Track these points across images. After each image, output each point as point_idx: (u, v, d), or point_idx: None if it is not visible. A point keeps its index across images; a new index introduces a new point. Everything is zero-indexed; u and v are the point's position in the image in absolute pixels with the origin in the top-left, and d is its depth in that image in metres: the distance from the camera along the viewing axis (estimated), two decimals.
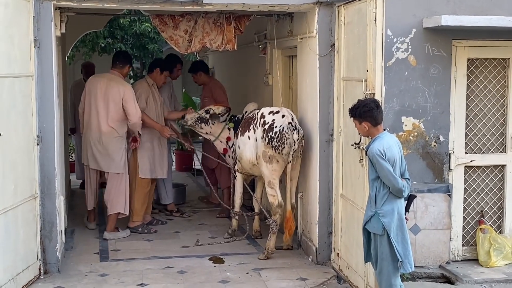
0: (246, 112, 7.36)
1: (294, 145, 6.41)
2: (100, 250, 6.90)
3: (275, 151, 6.43)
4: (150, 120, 7.52)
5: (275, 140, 6.39)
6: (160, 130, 7.57)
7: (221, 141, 7.62)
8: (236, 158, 7.13)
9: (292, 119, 6.56)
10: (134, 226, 7.58)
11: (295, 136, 6.40)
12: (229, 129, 7.55)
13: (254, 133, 6.67)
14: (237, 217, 7.36)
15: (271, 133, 6.44)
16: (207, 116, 7.59)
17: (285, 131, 6.38)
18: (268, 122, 6.54)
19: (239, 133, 6.95)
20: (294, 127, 6.45)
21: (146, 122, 7.44)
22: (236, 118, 7.55)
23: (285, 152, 6.42)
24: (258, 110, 6.83)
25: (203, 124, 7.61)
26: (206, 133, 7.70)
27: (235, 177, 7.28)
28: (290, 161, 6.46)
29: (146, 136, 7.62)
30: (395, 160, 4.60)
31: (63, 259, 6.29)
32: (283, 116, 6.53)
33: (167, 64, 8.00)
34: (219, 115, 7.54)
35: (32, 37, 5.69)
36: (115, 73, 7.39)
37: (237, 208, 7.31)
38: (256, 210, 7.39)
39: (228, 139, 7.57)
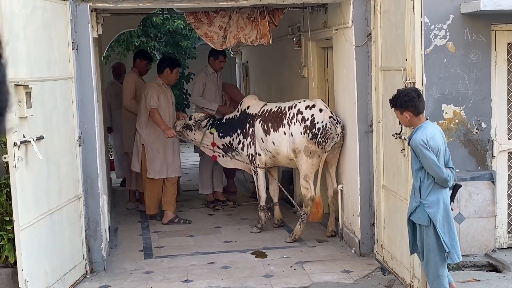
0: (248, 107, 7.35)
1: (337, 137, 6.56)
2: (144, 247, 6.99)
3: (318, 147, 6.56)
4: (159, 119, 7.64)
5: (319, 136, 6.51)
6: (165, 130, 7.60)
7: (207, 146, 7.67)
8: (256, 154, 7.12)
9: (331, 112, 6.62)
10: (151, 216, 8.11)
11: (338, 130, 6.56)
12: (211, 133, 7.60)
13: (289, 128, 6.71)
14: (264, 210, 7.36)
15: (314, 130, 6.52)
16: (191, 122, 7.74)
17: (328, 127, 6.51)
18: (308, 118, 6.59)
19: (271, 130, 6.90)
20: (336, 121, 6.57)
21: (155, 120, 7.64)
22: (223, 121, 7.60)
23: (327, 147, 6.57)
24: (292, 104, 6.81)
25: (188, 131, 7.78)
26: (192, 140, 7.87)
27: (255, 173, 7.28)
28: (328, 151, 6.61)
29: (153, 137, 7.81)
30: (439, 150, 4.53)
31: (108, 258, 6.38)
32: (320, 110, 6.59)
33: (174, 62, 8.17)
34: (198, 122, 7.66)
35: (70, 39, 5.76)
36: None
37: (262, 202, 7.32)
38: (275, 200, 7.47)
39: (213, 145, 7.64)
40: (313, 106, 6.67)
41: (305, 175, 6.70)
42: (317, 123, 6.53)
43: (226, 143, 7.54)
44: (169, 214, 7.93)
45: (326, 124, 6.51)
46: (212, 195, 8.76)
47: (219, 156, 7.70)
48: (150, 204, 8.01)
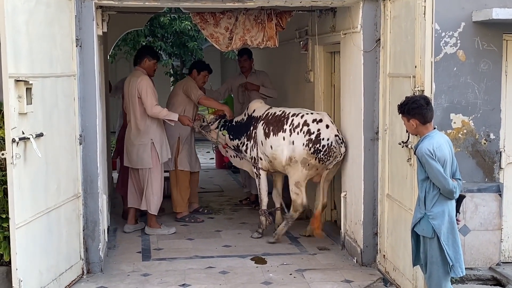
0: (254, 111, 7.34)
1: (340, 157, 6.52)
2: (142, 249, 6.89)
3: (319, 162, 6.55)
4: (214, 101, 8.01)
5: (322, 153, 6.48)
6: (226, 111, 7.76)
7: (223, 147, 7.74)
8: (258, 158, 7.06)
9: (337, 130, 6.60)
10: (180, 217, 8.02)
11: (342, 150, 6.52)
12: (223, 135, 7.60)
13: (290, 136, 6.64)
14: (265, 215, 7.26)
15: (318, 145, 6.48)
16: (204, 124, 7.82)
17: (333, 146, 6.47)
18: (313, 132, 6.53)
19: (271, 133, 6.85)
20: (341, 141, 6.52)
21: (211, 103, 8.03)
22: (233, 123, 7.58)
23: (328, 164, 6.55)
24: (298, 113, 6.76)
25: (205, 131, 7.83)
26: (211, 139, 7.94)
27: (258, 176, 7.19)
28: (329, 169, 6.61)
29: (184, 131, 7.88)
30: (446, 160, 4.42)
31: (105, 258, 6.29)
32: (327, 126, 6.55)
33: (203, 65, 8.20)
34: (209, 124, 7.73)
35: (74, 36, 5.68)
36: (138, 69, 7.49)
37: (264, 206, 7.24)
38: (277, 205, 7.41)
39: (224, 146, 7.66)
40: (320, 120, 6.59)
41: (296, 182, 6.67)
42: (323, 139, 6.47)
43: (235, 146, 7.53)
44: (195, 205, 8.38)
45: (331, 142, 6.46)
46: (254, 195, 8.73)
47: (231, 157, 7.73)
48: (183, 201, 8.03)
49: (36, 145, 4.83)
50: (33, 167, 4.94)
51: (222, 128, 7.62)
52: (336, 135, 6.50)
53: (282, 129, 6.74)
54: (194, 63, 8.40)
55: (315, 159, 6.49)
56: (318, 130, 6.52)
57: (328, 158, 6.48)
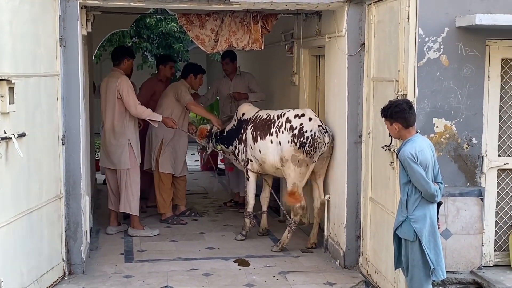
0: (243, 114, 7.34)
1: (324, 147, 6.48)
2: (125, 250, 6.87)
3: (306, 156, 6.49)
4: (202, 109, 8.06)
5: (307, 145, 6.42)
6: (214, 120, 7.83)
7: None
8: (248, 159, 7.09)
9: (321, 121, 6.57)
10: (164, 219, 8.02)
11: (326, 139, 6.49)
12: (220, 149, 7.71)
13: (277, 137, 6.64)
14: (250, 217, 7.27)
15: (302, 138, 6.43)
16: (203, 143, 7.95)
17: (317, 136, 6.42)
18: (296, 127, 6.50)
19: (258, 137, 6.86)
20: (325, 130, 6.50)
21: (198, 111, 8.08)
22: (225, 133, 7.61)
23: (315, 156, 6.51)
24: (281, 113, 6.76)
25: (208, 150, 7.95)
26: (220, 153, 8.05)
27: (247, 179, 7.20)
28: (315, 161, 6.56)
29: (168, 133, 7.86)
30: (428, 164, 4.46)
31: (87, 260, 6.26)
32: (310, 119, 6.53)
33: (199, 68, 8.22)
34: (206, 147, 7.85)
35: (58, 36, 5.66)
36: (116, 70, 7.44)
37: (250, 208, 7.24)
38: (264, 208, 7.43)
39: (222, 161, 7.71)
40: (302, 115, 6.60)
41: (293, 183, 6.63)
42: (306, 132, 6.46)
43: (231, 152, 7.57)
44: (182, 207, 8.37)
45: (314, 133, 6.44)
46: (238, 194, 8.82)
47: (234, 161, 7.77)
48: (165, 203, 8.01)
49: (18, 145, 4.79)
50: (15, 167, 4.91)
51: (216, 143, 7.70)
52: (319, 126, 6.49)
53: (269, 132, 6.75)
54: (189, 67, 8.23)
55: (303, 153, 6.46)
56: (301, 124, 6.52)
57: (314, 149, 6.44)
